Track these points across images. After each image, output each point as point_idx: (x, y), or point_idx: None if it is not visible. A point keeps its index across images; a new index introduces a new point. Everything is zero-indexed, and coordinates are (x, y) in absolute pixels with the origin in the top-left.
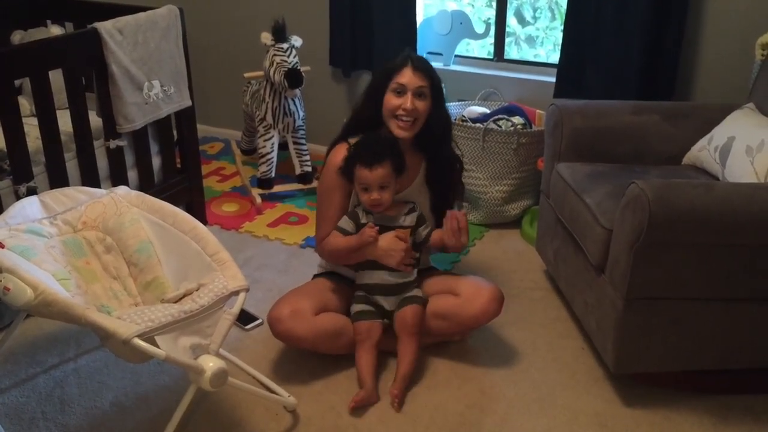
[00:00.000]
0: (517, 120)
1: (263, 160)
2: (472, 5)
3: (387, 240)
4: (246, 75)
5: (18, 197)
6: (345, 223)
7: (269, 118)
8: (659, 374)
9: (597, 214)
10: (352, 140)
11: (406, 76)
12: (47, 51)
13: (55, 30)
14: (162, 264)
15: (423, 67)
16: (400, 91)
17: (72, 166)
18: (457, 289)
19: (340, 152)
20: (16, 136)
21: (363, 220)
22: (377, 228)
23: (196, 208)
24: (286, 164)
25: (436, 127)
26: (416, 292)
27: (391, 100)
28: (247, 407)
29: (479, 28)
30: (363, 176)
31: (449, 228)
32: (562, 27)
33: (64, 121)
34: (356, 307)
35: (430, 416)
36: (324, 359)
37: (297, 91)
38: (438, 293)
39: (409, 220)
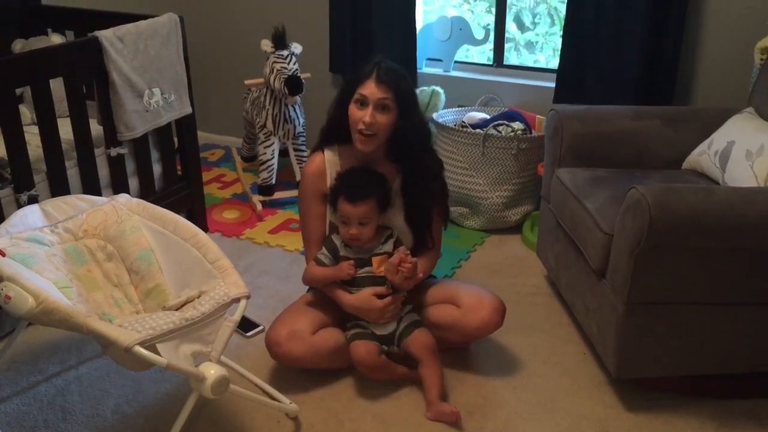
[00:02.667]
0: (517, 125)
1: (264, 166)
2: (472, 11)
3: (362, 298)
4: (246, 82)
5: (19, 205)
6: (323, 255)
7: (270, 125)
8: (661, 379)
9: (597, 219)
10: (327, 149)
11: (368, 88)
12: (48, 60)
13: (56, 39)
14: (163, 271)
15: (388, 78)
16: (362, 102)
17: (73, 174)
18: (459, 299)
19: (313, 161)
20: (17, 145)
21: (342, 253)
22: (354, 267)
23: (197, 215)
24: (286, 171)
25: (408, 137)
26: (413, 316)
27: (353, 111)
28: (249, 414)
29: (479, 34)
30: (344, 210)
31: (391, 261)
32: (561, 32)
33: (65, 129)
34: (350, 331)
35: (433, 423)
36: None
37: (297, 98)
38: (439, 302)
39: (386, 247)
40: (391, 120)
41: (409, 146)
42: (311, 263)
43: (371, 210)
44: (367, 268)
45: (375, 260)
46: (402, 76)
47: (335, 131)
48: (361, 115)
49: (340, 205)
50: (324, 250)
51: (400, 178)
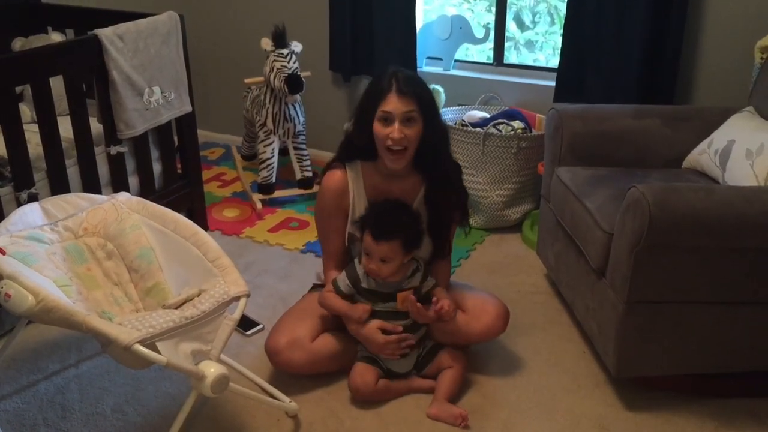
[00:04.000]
0: (517, 124)
1: (264, 165)
2: (472, 10)
3: (367, 330)
4: (246, 81)
5: (19, 204)
6: (342, 282)
7: (270, 124)
8: (661, 378)
9: (597, 217)
10: (348, 165)
11: (392, 103)
12: (48, 58)
13: (56, 37)
14: (163, 270)
15: (409, 89)
16: (387, 119)
17: (73, 172)
18: (463, 304)
19: (334, 176)
20: (17, 143)
21: (364, 284)
22: (370, 310)
23: (197, 213)
24: (286, 169)
25: (432, 143)
26: (430, 343)
27: (379, 130)
28: (249, 413)
29: (479, 33)
30: (367, 243)
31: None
32: (561, 31)
33: (65, 127)
34: (362, 353)
35: (433, 422)
36: None
37: (297, 97)
38: None
39: (413, 282)
40: (418, 131)
41: (435, 154)
42: (330, 290)
43: (395, 250)
44: (390, 303)
45: (400, 296)
46: (421, 84)
47: (357, 149)
48: (388, 132)
49: (365, 237)
50: (345, 276)
51: (424, 188)
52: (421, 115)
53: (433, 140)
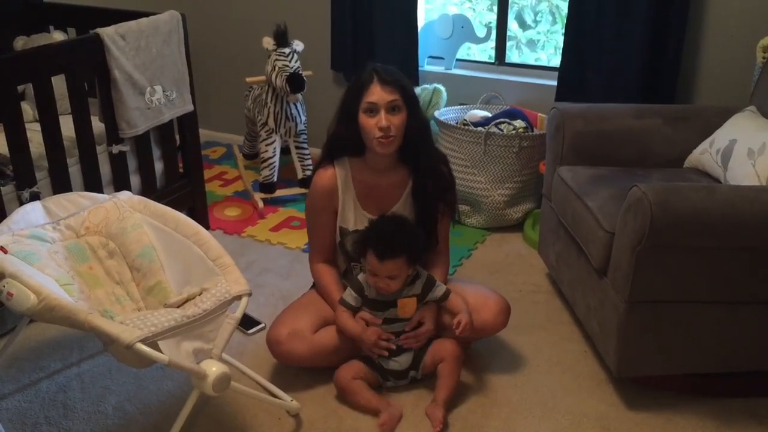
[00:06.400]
0: (519, 123)
1: (265, 164)
2: (473, 9)
3: (357, 329)
4: (248, 80)
5: (21, 202)
6: (350, 297)
7: (271, 123)
8: (662, 377)
9: (599, 217)
10: (337, 163)
11: (375, 94)
12: (50, 57)
13: (58, 36)
14: (165, 269)
15: (391, 79)
16: (373, 110)
17: (75, 171)
18: (464, 299)
19: (323, 174)
20: (19, 142)
21: (367, 293)
22: (380, 334)
23: (199, 212)
24: (288, 168)
25: (417, 133)
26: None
27: (365, 121)
28: (250, 411)
29: (480, 32)
30: (372, 264)
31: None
32: (563, 30)
33: (67, 126)
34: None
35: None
36: None
37: (299, 96)
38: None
39: (414, 289)
40: (403, 120)
41: (420, 145)
42: (341, 311)
43: (400, 267)
44: (391, 310)
45: (401, 302)
46: (401, 75)
47: (343, 145)
48: (374, 122)
49: (368, 258)
50: (351, 290)
51: (412, 181)
52: (405, 104)
53: (417, 130)
